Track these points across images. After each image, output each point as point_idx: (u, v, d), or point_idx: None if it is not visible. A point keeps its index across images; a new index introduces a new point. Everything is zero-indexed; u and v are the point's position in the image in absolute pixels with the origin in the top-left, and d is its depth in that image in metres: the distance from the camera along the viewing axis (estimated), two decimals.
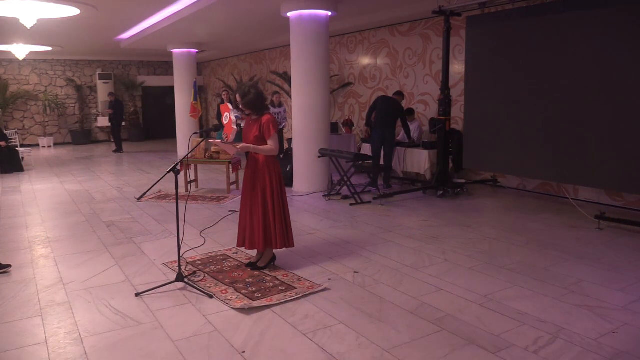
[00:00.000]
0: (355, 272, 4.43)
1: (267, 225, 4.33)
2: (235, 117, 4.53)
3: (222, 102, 11.43)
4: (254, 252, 4.70)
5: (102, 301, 3.88)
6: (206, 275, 4.39)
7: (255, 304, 3.74)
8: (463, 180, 8.24)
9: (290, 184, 8.27)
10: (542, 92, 6.40)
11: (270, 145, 4.27)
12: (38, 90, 16.81)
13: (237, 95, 4.35)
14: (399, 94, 8.61)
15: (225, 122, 4.51)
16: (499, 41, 6.88)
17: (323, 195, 7.71)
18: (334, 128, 9.90)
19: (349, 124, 10.73)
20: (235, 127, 4.45)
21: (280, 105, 11.00)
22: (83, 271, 4.57)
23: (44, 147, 16.32)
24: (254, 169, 4.36)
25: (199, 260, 4.80)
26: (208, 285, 4.13)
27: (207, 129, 6.10)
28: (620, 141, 5.65)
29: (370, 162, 7.79)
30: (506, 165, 7.15)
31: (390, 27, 10.21)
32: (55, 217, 6.77)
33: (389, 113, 8.17)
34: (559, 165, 6.32)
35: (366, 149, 9.46)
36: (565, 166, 6.25)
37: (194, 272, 4.44)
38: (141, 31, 11.77)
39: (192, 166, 8.56)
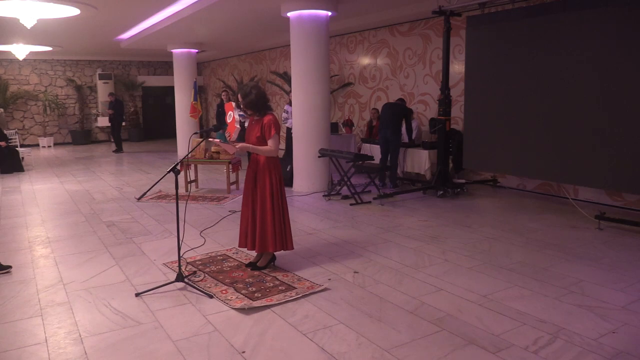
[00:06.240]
0: (355, 272, 4.43)
1: (265, 226, 4.32)
2: (240, 115, 4.53)
3: (222, 102, 11.43)
4: (253, 252, 4.69)
5: (102, 301, 3.88)
6: (206, 275, 4.39)
7: (255, 304, 3.74)
8: (463, 180, 8.24)
9: (290, 184, 8.27)
10: (542, 91, 6.40)
11: (270, 146, 4.27)
12: (38, 90, 16.82)
13: (239, 96, 4.35)
14: (401, 100, 8.85)
15: (228, 120, 4.52)
16: (499, 41, 6.88)
17: (323, 195, 7.71)
18: (334, 128, 9.90)
19: (349, 124, 10.73)
20: (238, 126, 4.46)
21: None
22: (83, 271, 4.57)
23: (44, 147, 16.32)
24: (255, 169, 4.36)
25: (199, 260, 4.80)
26: (208, 285, 4.13)
27: (207, 129, 6.11)
28: (620, 141, 5.64)
29: (370, 162, 7.79)
30: (506, 165, 7.15)
31: (390, 27, 10.22)
32: (55, 217, 6.77)
33: (391, 114, 8.23)
34: (559, 165, 6.32)
35: (366, 149, 9.47)
36: (565, 166, 6.24)
37: (194, 272, 4.44)
38: (141, 31, 11.78)
39: (192, 166, 8.56)
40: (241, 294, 3.94)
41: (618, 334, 3.23)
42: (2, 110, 13.72)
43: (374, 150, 8.97)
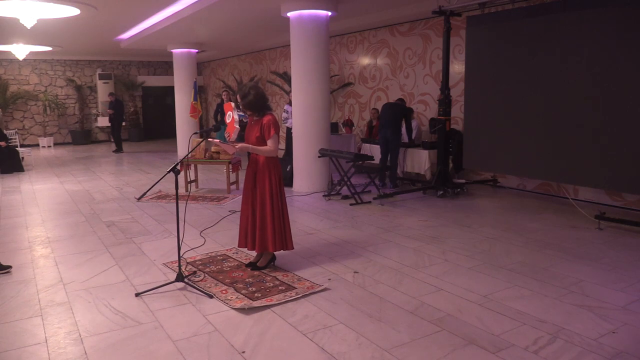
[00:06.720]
0: (355, 272, 4.43)
1: (264, 226, 4.32)
2: (240, 115, 4.52)
3: (222, 102, 11.43)
4: (253, 252, 4.69)
5: (102, 301, 3.88)
6: (206, 275, 4.39)
7: (255, 304, 3.74)
8: (463, 180, 8.24)
9: (290, 184, 8.27)
10: (542, 91, 6.40)
11: (270, 146, 4.26)
12: (38, 90, 16.82)
13: (238, 96, 4.35)
14: (401, 100, 8.85)
15: (228, 120, 4.51)
16: (499, 41, 6.88)
17: (323, 195, 7.71)
18: (334, 128, 9.90)
19: (349, 124, 10.74)
20: (237, 126, 4.45)
21: None
22: (83, 271, 4.57)
23: (44, 147, 16.32)
24: (255, 169, 4.36)
25: (199, 260, 4.80)
26: (208, 285, 4.13)
27: (207, 129, 6.11)
28: (620, 141, 5.64)
29: (370, 162, 7.79)
30: (506, 165, 7.15)
31: (390, 27, 10.22)
32: (55, 217, 6.77)
33: (391, 114, 8.24)
34: (559, 165, 6.32)
35: (366, 149, 9.47)
36: (565, 166, 6.24)
37: (194, 272, 4.44)
38: (141, 31, 11.78)
39: (192, 166, 8.56)
40: (241, 294, 3.94)
41: (618, 334, 3.23)
42: (0, 110, 13.70)
43: (374, 150, 8.98)
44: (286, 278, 4.28)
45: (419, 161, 8.62)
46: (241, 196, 4.57)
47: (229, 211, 6.74)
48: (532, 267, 4.47)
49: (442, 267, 4.52)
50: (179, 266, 4.14)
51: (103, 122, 16.81)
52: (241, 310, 3.66)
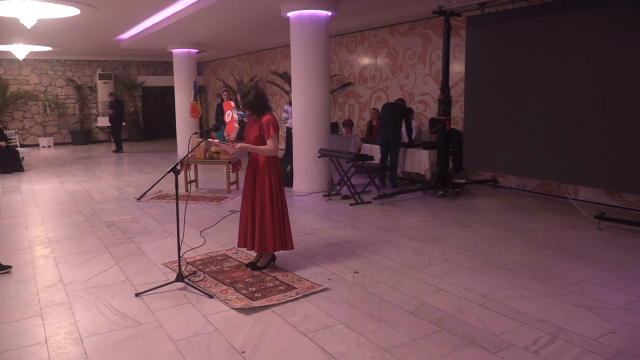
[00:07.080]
0: (355, 272, 4.43)
1: (264, 226, 4.32)
2: (240, 115, 4.52)
3: (222, 101, 11.42)
4: (253, 252, 4.69)
5: (102, 301, 3.88)
6: (206, 275, 4.39)
7: (255, 304, 3.74)
8: (463, 180, 8.24)
9: (290, 184, 8.27)
10: (542, 92, 6.40)
11: (269, 145, 4.26)
12: (38, 90, 16.82)
13: (238, 95, 4.35)
14: (401, 100, 8.86)
15: (227, 119, 4.51)
16: (499, 41, 6.88)
17: (323, 195, 7.71)
18: (334, 128, 9.90)
19: (349, 124, 10.74)
20: (237, 125, 4.44)
21: None
22: (83, 271, 4.57)
23: (44, 147, 16.32)
24: (255, 169, 4.36)
25: (199, 260, 4.80)
26: (208, 285, 4.13)
27: (207, 128, 6.11)
28: (620, 141, 5.64)
29: (370, 162, 7.79)
30: (506, 165, 7.15)
31: (390, 27, 10.22)
32: (55, 217, 6.77)
33: (391, 114, 8.24)
34: (559, 165, 6.32)
35: (366, 149, 9.47)
36: (565, 166, 6.24)
37: (194, 272, 4.44)
38: (141, 31, 11.78)
39: (192, 166, 8.56)
40: (241, 294, 3.94)
41: (618, 334, 3.23)
42: None
43: (374, 150, 8.98)
44: (286, 278, 4.28)
45: (419, 161, 8.62)
46: (241, 196, 4.57)
47: (229, 211, 6.74)
48: (532, 267, 4.47)
49: (442, 267, 4.52)
50: (179, 266, 4.14)
51: (103, 122, 16.82)
52: (241, 310, 3.66)
